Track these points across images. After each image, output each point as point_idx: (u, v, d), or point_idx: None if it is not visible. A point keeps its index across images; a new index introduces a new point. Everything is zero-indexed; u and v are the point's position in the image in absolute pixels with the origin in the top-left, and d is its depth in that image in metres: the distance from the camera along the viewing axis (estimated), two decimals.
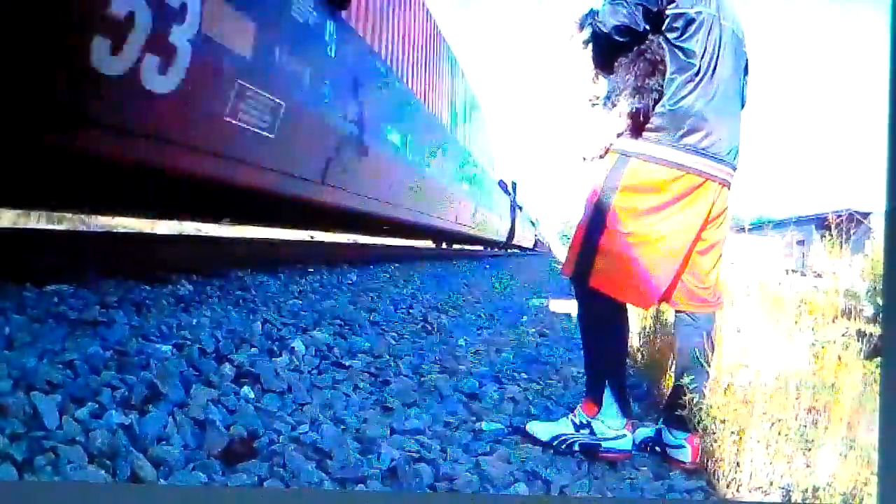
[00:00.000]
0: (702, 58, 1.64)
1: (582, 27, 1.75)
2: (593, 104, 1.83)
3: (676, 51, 1.64)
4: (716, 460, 1.63)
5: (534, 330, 3.96)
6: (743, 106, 1.80)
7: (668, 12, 1.63)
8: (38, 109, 2.09)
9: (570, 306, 5.16)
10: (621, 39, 1.63)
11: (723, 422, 1.61)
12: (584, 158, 1.75)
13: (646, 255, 1.67)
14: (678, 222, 1.67)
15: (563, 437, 1.75)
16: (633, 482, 1.63)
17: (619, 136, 1.69)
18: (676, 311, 1.84)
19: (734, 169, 1.73)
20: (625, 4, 1.59)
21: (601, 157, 1.73)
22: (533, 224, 35.03)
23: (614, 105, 1.67)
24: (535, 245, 37.30)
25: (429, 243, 14.09)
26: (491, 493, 1.45)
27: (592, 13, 1.70)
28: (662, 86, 1.65)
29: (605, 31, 1.63)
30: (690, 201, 1.67)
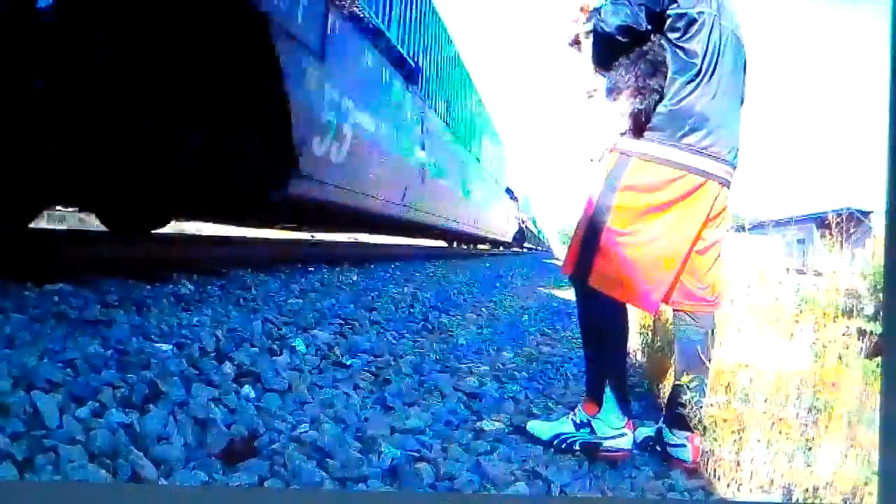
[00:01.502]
0: (703, 58, 1.64)
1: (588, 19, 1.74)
2: (590, 95, 1.83)
3: (678, 51, 1.64)
4: (716, 459, 1.63)
5: (534, 329, 3.96)
6: (742, 104, 1.81)
7: (669, 12, 1.63)
8: None
9: (571, 304, 5.16)
10: (623, 39, 1.63)
11: (723, 421, 1.61)
12: (592, 160, 1.75)
13: (646, 254, 1.67)
14: (679, 222, 1.67)
15: (564, 437, 1.75)
16: (634, 481, 1.63)
17: (621, 135, 1.69)
18: (675, 311, 1.84)
19: (734, 168, 1.73)
20: (627, 4, 1.59)
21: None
22: (513, 198, 21.52)
23: (615, 100, 1.67)
24: (519, 238, 24.95)
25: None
26: (491, 492, 1.45)
27: (598, 6, 1.69)
28: (664, 86, 1.65)
29: (608, 31, 1.63)
30: (691, 201, 1.67)
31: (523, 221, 26.31)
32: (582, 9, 1.77)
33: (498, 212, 17.57)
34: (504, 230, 19.79)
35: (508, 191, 20.45)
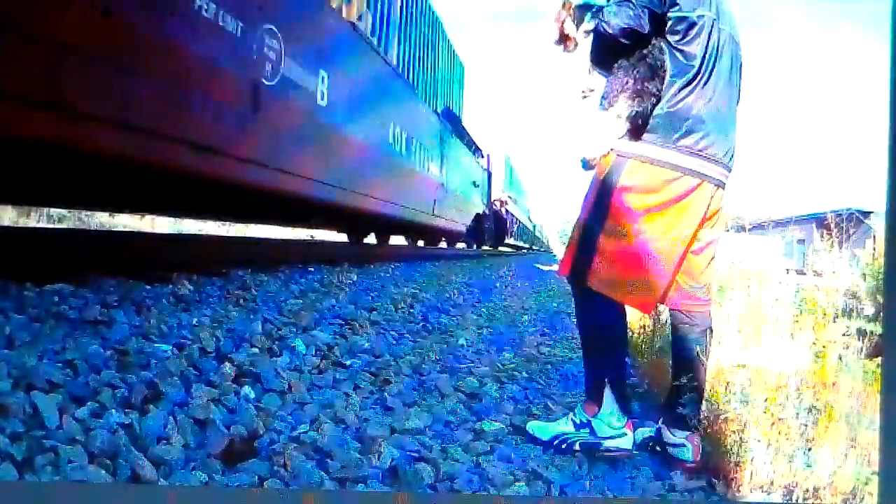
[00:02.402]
0: (701, 61, 1.65)
1: (582, 19, 1.74)
2: (585, 96, 1.83)
3: (676, 54, 1.65)
4: (716, 459, 1.63)
5: (534, 329, 3.96)
6: (737, 104, 1.81)
7: (670, 15, 1.64)
8: None
9: (571, 303, 5.16)
10: (625, 41, 1.63)
11: (723, 421, 1.61)
12: (585, 165, 1.75)
13: (643, 255, 1.68)
14: (675, 223, 1.68)
15: (564, 437, 1.75)
16: (634, 481, 1.63)
17: (619, 138, 1.69)
18: (671, 310, 1.84)
19: (729, 170, 1.74)
20: (631, 6, 1.59)
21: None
22: (469, 144, 12.67)
23: (611, 105, 1.67)
24: (494, 228, 15.24)
25: None
26: (491, 493, 1.45)
27: (596, 7, 1.69)
28: (661, 90, 1.66)
29: (611, 32, 1.63)
30: (688, 202, 1.68)
31: (503, 203, 15.36)
32: (565, 5, 1.77)
33: (427, 172, 8.94)
34: (451, 211, 10.50)
35: (451, 122, 10.55)
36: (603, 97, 1.72)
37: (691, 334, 1.77)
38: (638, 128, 1.67)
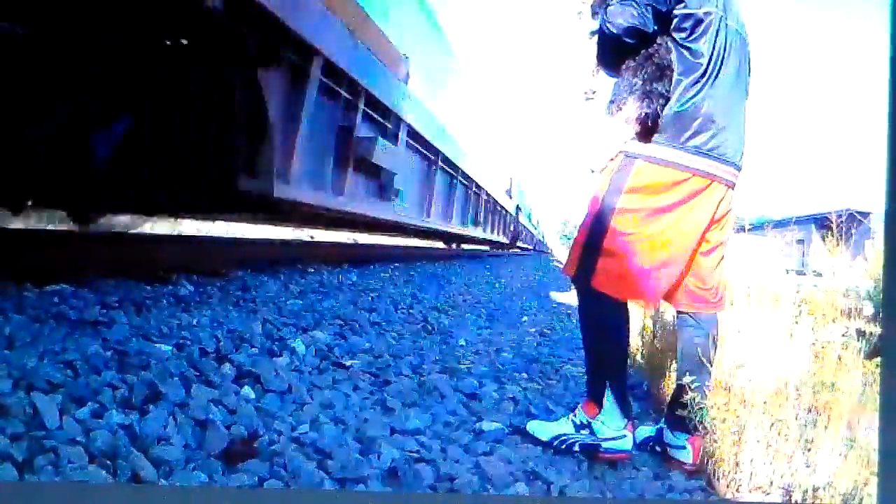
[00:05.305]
0: (709, 59, 1.63)
1: (594, 14, 1.73)
2: (588, 98, 1.83)
3: (684, 51, 1.64)
4: (716, 460, 1.63)
5: (534, 330, 3.96)
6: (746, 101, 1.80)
7: (676, 12, 1.62)
8: None
9: (570, 305, 5.16)
10: (630, 41, 1.62)
11: (723, 422, 1.61)
12: (593, 171, 1.75)
13: (649, 256, 1.67)
14: (683, 224, 1.67)
15: (564, 438, 1.75)
16: (634, 482, 1.63)
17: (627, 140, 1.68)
18: (678, 312, 1.84)
19: (739, 170, 1.73)
20: (635, 5, 1.58)
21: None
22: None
23: (619, 109, 1.66)
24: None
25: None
26: (491, 493, 1.45)
27: (605, 4, 1.68)
28: (669, 91, 1.64)
29: (615, 31, 1.61)
30: (696, 203, 1.66)
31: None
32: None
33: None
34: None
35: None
36: (610, 101, 1.70)
37: (697, 336, 1.77)
38: (647, 129, 1.66)
